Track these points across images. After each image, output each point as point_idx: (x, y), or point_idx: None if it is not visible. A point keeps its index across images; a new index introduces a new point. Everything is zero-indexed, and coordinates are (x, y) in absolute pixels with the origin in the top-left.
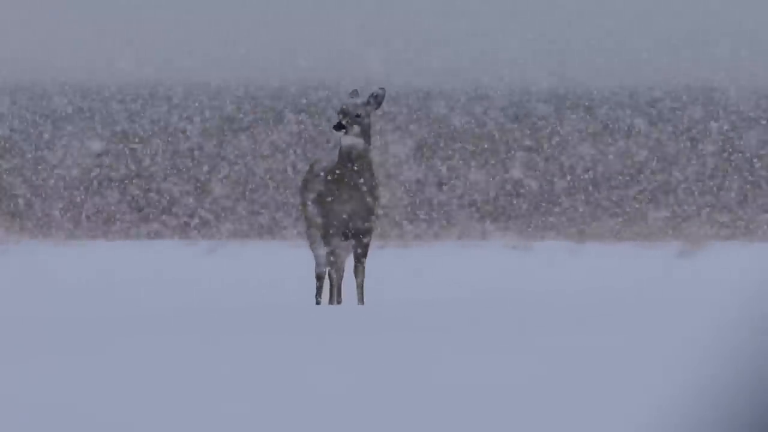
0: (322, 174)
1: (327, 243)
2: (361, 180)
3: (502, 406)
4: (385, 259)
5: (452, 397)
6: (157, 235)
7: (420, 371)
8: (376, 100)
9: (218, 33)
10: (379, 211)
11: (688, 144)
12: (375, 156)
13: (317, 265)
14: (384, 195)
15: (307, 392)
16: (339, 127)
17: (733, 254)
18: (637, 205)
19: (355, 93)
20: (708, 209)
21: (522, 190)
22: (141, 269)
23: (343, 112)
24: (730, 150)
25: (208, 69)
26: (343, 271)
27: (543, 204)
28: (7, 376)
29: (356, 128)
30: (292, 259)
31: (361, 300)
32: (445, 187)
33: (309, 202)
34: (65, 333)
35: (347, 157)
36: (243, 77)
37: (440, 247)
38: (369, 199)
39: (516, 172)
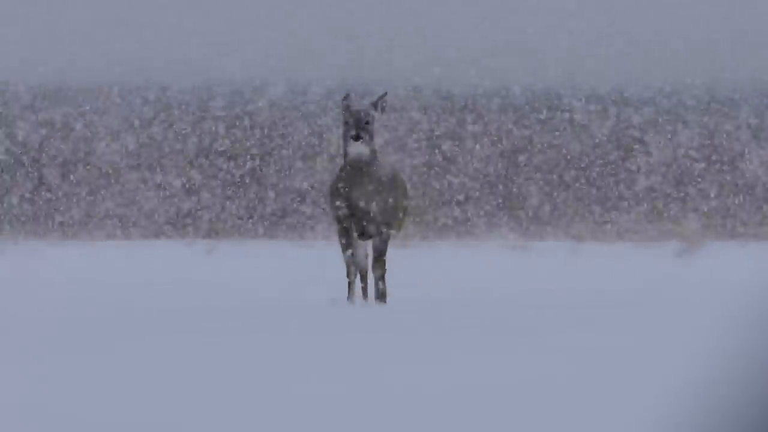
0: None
1: (347, 242)
2: (371, 184)
3: (501, 407)
4: None
5: (452, 397)
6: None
7: (419, 371)
8: (382, 105)
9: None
10: (403, 207)
11: (688, 144)
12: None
13: (344, 264)
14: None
15: (306, 392)
16: (358, 137)
17: (733, 254)
18: (637, 206)
19: (348, 97)
20: (707, 209)
21: (521, 191)
22: (141, 269)
23: (358, 120)
24: (730, 150)
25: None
26: (366, 269)
27: (543, 204)
28: (8, 376)
29: (368, 137)
30: (293, 258)
31: (381, 298)
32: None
33: (333, 205)
34: (64, 333)
35: (355, 164)
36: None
37: (440, 247)
38: (381, 200)
39: (515, 172)
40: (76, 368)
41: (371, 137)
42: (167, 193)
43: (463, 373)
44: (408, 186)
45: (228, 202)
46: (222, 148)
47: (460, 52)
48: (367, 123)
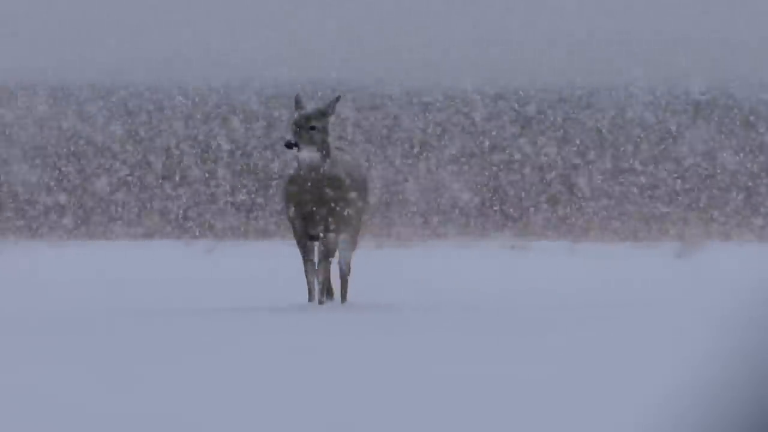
0: (291, 182)
1: (301, 245)
2: (323, 191)
3: (500, 407)
4: (383, 259)
5: (450, 397)
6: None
7: (418, 372)
8: (332, 108)
9: (209, 35)
10: (352, 212)
11: (689, 144)
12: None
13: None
14: (364, 195)
15: (305, 392)
16: (290, 145)
17: (733, 254)
18: (635, 206)
19: (298, 99)
20: (707, 209)
21: (522, 191)
22: (140, 269)
23: (297, 125)
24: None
25: (205, 69)
26: (326, 271)
27: (542, 204)
28: (8, 375)
29: (312, 142)
30: (292, 258)
31: (321, 298)
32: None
33: (288, 207)
34: (63, 332)
35: (306, 170)
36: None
37: (440, 247)
38: (332, 206)
39: (516, 173)
40: (74, 367)
41: (319, 142)
42: (167, 192)
43: (462, 373)
44: (369, 184)
45: (228, 202)
46: (223, 146)
47: (462, 52)
48: (312, 128)
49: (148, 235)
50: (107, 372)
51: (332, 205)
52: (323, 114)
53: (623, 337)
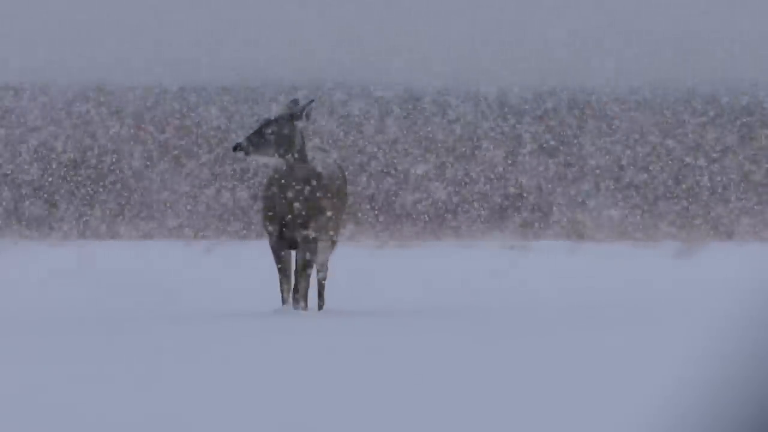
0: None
1: (272, 250)
2: (289, 193)
3: (500, 406)
4: (383, 259)
5: (450, 396)
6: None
7: (418, 371)
8: (302, 112)
9: (210, 35)
10: (322, 218)
11: (692, 145)
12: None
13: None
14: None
15: (304, 394)
16: (235, 148)
17: (733, 254)
18: (637, 205)
19: (291, 102)
20: (709, 209)
21: (521, 190)
22: (140, 269)
23: (255, 131)
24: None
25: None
26: (305, 281)
27: (542, 203)
28: (8, 375)
29: (267, 147)
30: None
31: (304, 306)
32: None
33: (264, 211)
34: (62, 332)
35: (275, 174)
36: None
37: (440, 247)
38: (302, 210)
39: (516, 171)
40: (73, 367)
41: (281, 147)
42: (168, 192)
43: (462, 374)
44: (346, 189)
45: (226, 202)
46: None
47: (477, 53)
48: (270, 133)
49: (148, 235)
50: (107, 372)
51: (307, 207)
52: (287, 119)
53: (624, 337)
